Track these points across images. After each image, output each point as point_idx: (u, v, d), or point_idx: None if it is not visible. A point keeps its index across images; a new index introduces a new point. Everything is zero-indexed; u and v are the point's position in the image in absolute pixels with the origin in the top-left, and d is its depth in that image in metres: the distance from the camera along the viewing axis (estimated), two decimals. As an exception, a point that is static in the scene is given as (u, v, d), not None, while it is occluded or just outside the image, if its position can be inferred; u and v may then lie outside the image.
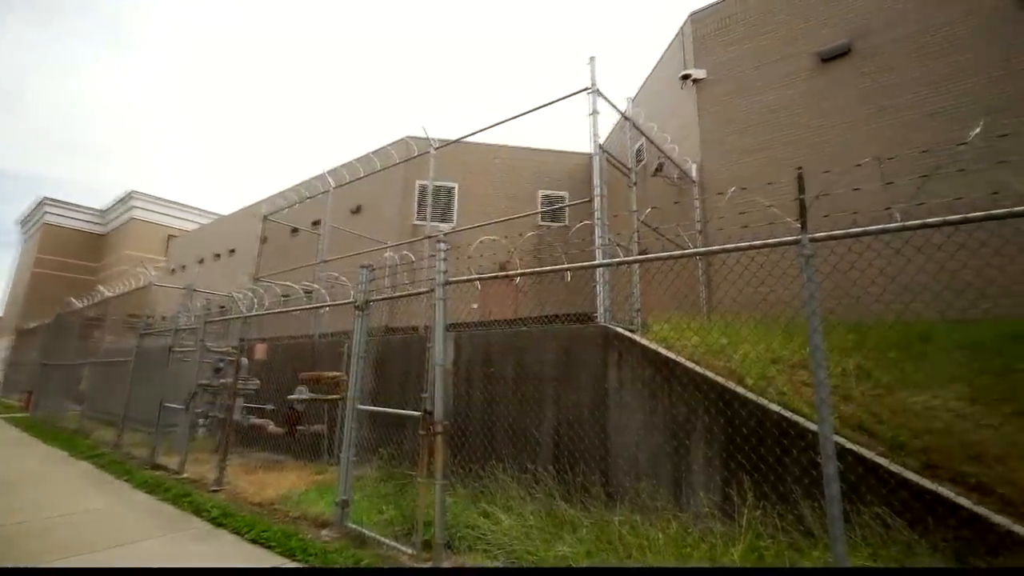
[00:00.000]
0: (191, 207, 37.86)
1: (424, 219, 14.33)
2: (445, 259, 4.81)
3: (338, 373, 6.96)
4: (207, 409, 8.09)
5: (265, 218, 13.15)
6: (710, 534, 3.63)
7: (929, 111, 7.73)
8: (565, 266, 4.78)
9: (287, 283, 9.40)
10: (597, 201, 6.38)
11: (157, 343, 9.05)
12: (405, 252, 7.72)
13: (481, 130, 8.75)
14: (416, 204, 14.84)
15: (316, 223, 15.58)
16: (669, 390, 4.48)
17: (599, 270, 5.67)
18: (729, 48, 10.17)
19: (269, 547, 4.19)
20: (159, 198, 36.59)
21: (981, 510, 3.10)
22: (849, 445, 3.58)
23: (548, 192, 14.89)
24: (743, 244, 3.51)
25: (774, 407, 3.93)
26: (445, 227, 14.03)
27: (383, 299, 6.55)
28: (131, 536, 4.47)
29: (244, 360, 7.53)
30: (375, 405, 5.55)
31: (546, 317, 6.44)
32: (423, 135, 9.95)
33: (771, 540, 3.42)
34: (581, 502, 4.35)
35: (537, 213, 12.96)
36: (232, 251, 22.89)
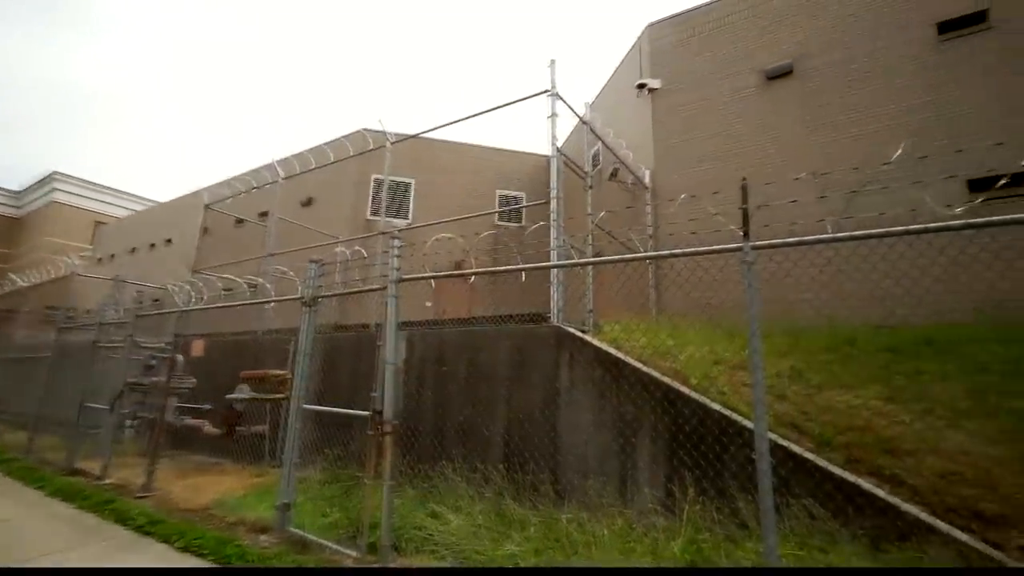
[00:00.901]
0: (123, 192, 35.18)
1: (378, 214, 14.01)
2: (399, 256, 4.72)
3: (283, 371, 6.68)
4: (135, 409, 7.54)
5: (207, 207, 12.43)
6: (653, 529, 3.76)
7: (860, 132, 8.34)
8: (520, 266, 4.80)
9: (229, 276, 8.92)
10: (554, 203, 6.46)
11: (80, 338, 8.35)
12: (357, 248, 7.51)
13: (440, 126, 8.66)
14: (371, 199, 14.48)
15: (263, 214, 14.89)
16: (618, 390, 4.59)
17: (554, 271, 5.74)
18: (683, 60, 10.56)
19: (201, 555, 3.96)
20: (86, 181, 33.77)
21: (894, 500, 3.38)
22: (782, 442, 3.80)
23: (506, 192, 14.93)
24: (690, 250, 3.65)
25: (715, 406, 4.11)
26: (400, 223, 13.77)
27: (333, 295, 6.34)
28: (44, 548, 4.10)
29: (179, 357, 7.08)
30: (322, 404, 5.37)
31: (500, 317, 6.45)
32: (379, 128, 9.73)
33: (709, 533, 3.58)
34: (530, 500, 4.39)
35: (494, 212, 12.97)
36: (169, 241, 21.51)
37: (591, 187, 7.48)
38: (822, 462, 3.66)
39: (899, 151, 3.95)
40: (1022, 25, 7.55)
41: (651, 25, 11.35)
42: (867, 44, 8.65)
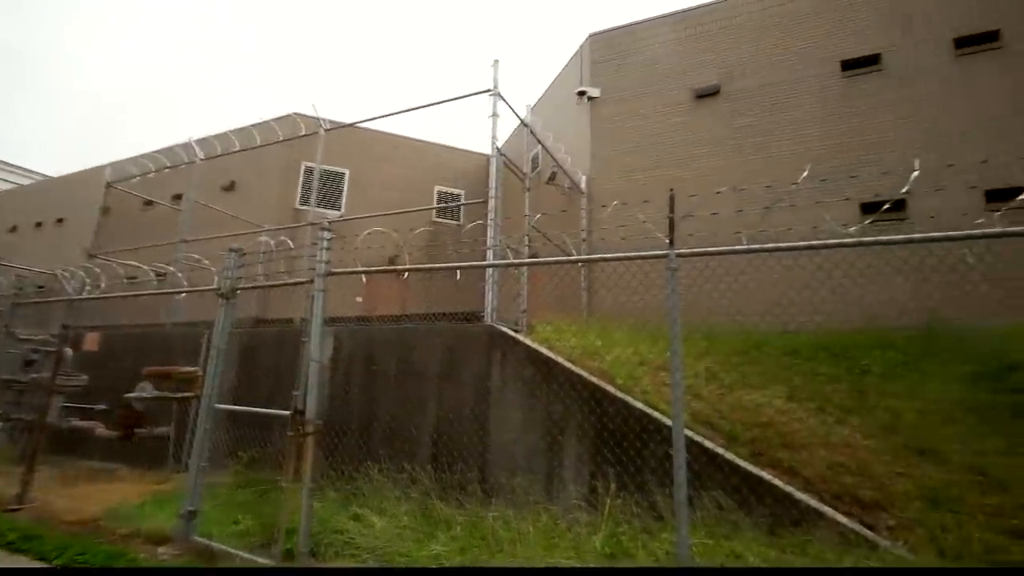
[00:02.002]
0: (7, 164, 30.89)
1: (308, 204, 13.33)
2: (328, 248, 4.52)
3: (193, 368, 6.17)
4: (9, 410, 6.64)
5: (109, 185, 11.22)
6: (577, 524, 3.87)
7: (775, 153, 9.09)
8: (456, 264, 4.77)
9: (134, 263, 8.10)
10: (492, 202, 6.47)
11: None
12: (283, 238, 7.10)
13: (378, 117, 8.40)
14: (300, 187, 13.74)
15: (177, 197, 13.67)
16: (548, 389, 4.68)
17: (489, 270, 5.75)
18: (622, 72, 10.97)
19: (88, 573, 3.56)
20: (-44, 147, 29.23)
21: (789, 489, 3.71)
22: (696, 438, 4.05)
23: (444, 188, 14.75)
24: (620, 255, 3.81)
25: (638, 405, 4.31)
26: (332, 215, 13.19)
27: (254, 287, 5.95)
28: None
29: (68, 352, 6.33)
30: (238, 404, 5.03)
31: (434, 315, 6.36)
32: (313, 114, 9.26)
33: (628, 526, 3.74)
34: (458, 500, 4.36)
35: (432, 209, 12.78)
36: (60, 220, 19.16)
37: (529, 189, 7.58)
38: (731, 456, 3.95)
39: (804, 173, 4.36)
40: (909, 70, 8.58)
41: (593, 35, 11.69)
42: (782, 74, 9.45)
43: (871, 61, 8.91)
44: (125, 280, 6.90)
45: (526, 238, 6.77)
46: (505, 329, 5.21)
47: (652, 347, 5.58)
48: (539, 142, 8.79)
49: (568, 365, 4.71)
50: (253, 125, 11.56)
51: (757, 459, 4.07)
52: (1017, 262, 5.82)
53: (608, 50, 11.30)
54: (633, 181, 9.85)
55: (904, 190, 3.99)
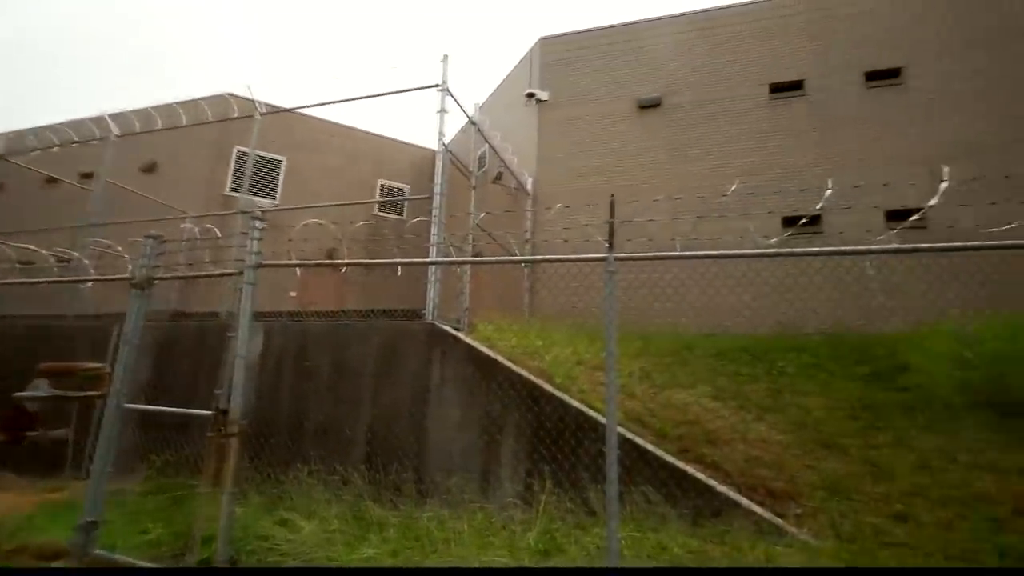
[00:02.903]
0: None
1: (240, 191, 12.55)
2: (260, 239, 4.28)
3: (99, 365, 5.61)
4: None
5: (1, 158, 9.98)
6: (511, 522, 3.90)
7: (709, 166, 9.63)
8: (397, 260, 4.66)
9: (30, 247, 7.25)
10: (437, 199, 6.38)
11: None
12: (210, 226, 6.63)
13: (321, 104, 8.06)
14: (231, 173, 12.91)
15: (87, 176, 12.41)
16: (487, 388, 4.69)
17: (431, 268, 5.67)
18: (570, 77, 11.19)
19: (-39, 593, 3.15)
20: None
21: (711, 482, 3.95)
22: (628, 435, 4.21)
23: (388, 182, 14.39)
24: (561, 257, 3.88)
25: (574, 403, 4.42)
26: (266, 203, 12.49)
27: (174, 278, 5.53)
28: None
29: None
30: (152, 403, 4.64)
31: (372, 311, 6.19)
32: (248, 96, 8.73)
33: (561, 522, 3.83)
34: (392, 501, 4.28)
35: (374, 202, 12.42)
36: (-59, 195, 16.81)
37: (475, 187, 7.55)
38: (660, 452, 4.14)
39: (733, 186, 4.65)
40: (827, 98, 9.38)
41: (543, 39, 11.84)
42: (717, 92, 10.04)
43: (796, 87, 9.65)
44: (18, 265, 6.16)
45: (470, 236, 6.74)
46: (446, 327, 5.16)
47: (590, 347, 5.74)
48: (486, 141, 8.79)
49: (508, 364, 4.75)
50: (179, 103, 10.71)
51: (684, 455, 4.30)
52: (908, 276, 6.53)
53: (558, 55, 11.49)
54: (577, 185, 10.08)
55: (818, 207, 4.36)
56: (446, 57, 7.05)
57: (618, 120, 10.61)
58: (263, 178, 13.05)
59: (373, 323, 5.57)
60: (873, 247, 3.38)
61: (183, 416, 3.99)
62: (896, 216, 7.60)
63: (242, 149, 12.78)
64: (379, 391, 5.11)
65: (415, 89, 7.33)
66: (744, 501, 3.86)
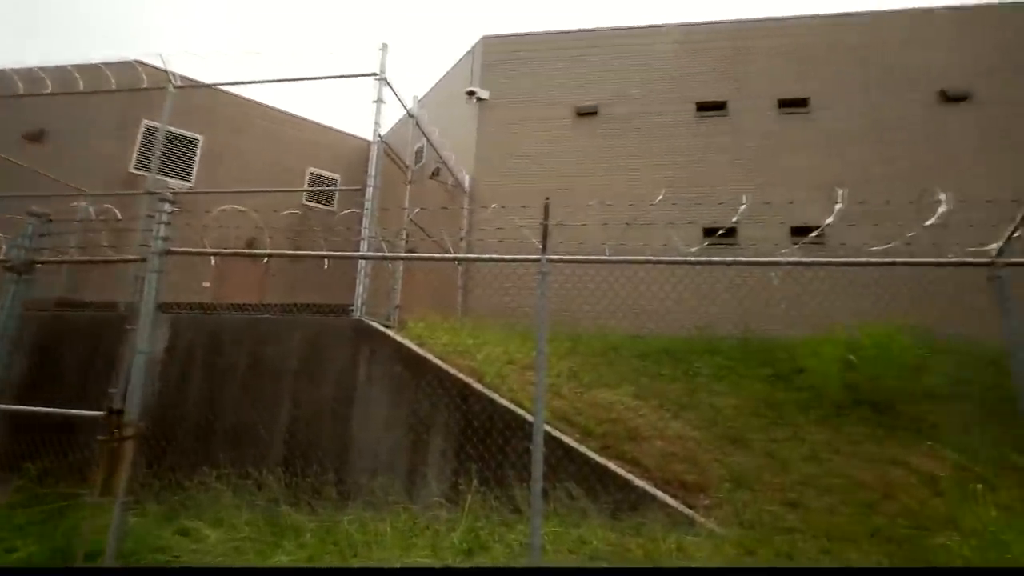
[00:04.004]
0: None
1: (148, 169, 11.42)
2: (168, 223, 3.93)
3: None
4: None
5: None
6: (436, 522, 3.86)
7: (638, 176, 10.09)
8: (325, 253, 4.46)
9: None
10: (370, 191, 6.18)
11: None
12: (109, 206, 5.96)
13: (246, 82, 7.52)
14: (138, 148, 11.71)
15: (-47, 140, 10.73)
16: (416, 386, 4.61)
17: (361, 262, 5.48)
18: (511, 79, 11.27)
19: None
20: None
21: (630, 477, 4.14)
22: (555, 433, 4.32)
23: (319, 171, 13.71)
24: (495, 256, 3.90)
25: (503, 402, 4.46)
26: (178, 185, 11.45)
27: (63, 262, 4.93)
28: None
29: None
30: (29, 403, 4.11)
31: (296, 305, 5.87)
32: (161, 65, 7.96)
33: (487, 520, 3.84)
34: (310, 505, 4.08)
35: (302, 191, 11.80)
36: None
37: (412, 182, 7.40)
38: (584, 449, 4.27)
39: (660, 196, 4.92)
40: (745, 119, 10.16)
41: (486, 38, 11.83)
42: (649, 106, 10.55)
43: (719, 107, 10.36)
44: None
45: (404, 232, 6.59)
46: (375, 324, 5.01)
47: (521, 347, 5.81)
48: (424, 136, 8.64)
49: (438, 362, 4.69)
50: (76, 66, 9.56)
51: (606, 451, 4.47)
52: (808, 286, 7.23)
53: (500, 55, 11.54)
54: (514, 185, 10.17)
55: (734, 220, 4.71)
56: (385, 46, 6.85)
57: (556, 125, 10.84)
58: (176, 157, 11.95)
59: (296, 318, 5.28)
60: (779, 259, 3.71)
61: (66, 418, 3.56)
62: (800, 232, 8.39)
63: (152, 124, 11.63)
64: (301, 390, 4.86)
65: (351, 76, 7.05)
66: (660, 494, 4.08)
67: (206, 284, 8.47)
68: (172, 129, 10.98)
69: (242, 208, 6.13)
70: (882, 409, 5.50)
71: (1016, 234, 3.14)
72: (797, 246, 4.12)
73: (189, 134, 12.06)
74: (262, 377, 4.93)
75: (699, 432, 5.03)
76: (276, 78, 7.57)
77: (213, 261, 4.45)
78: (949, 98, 9.62)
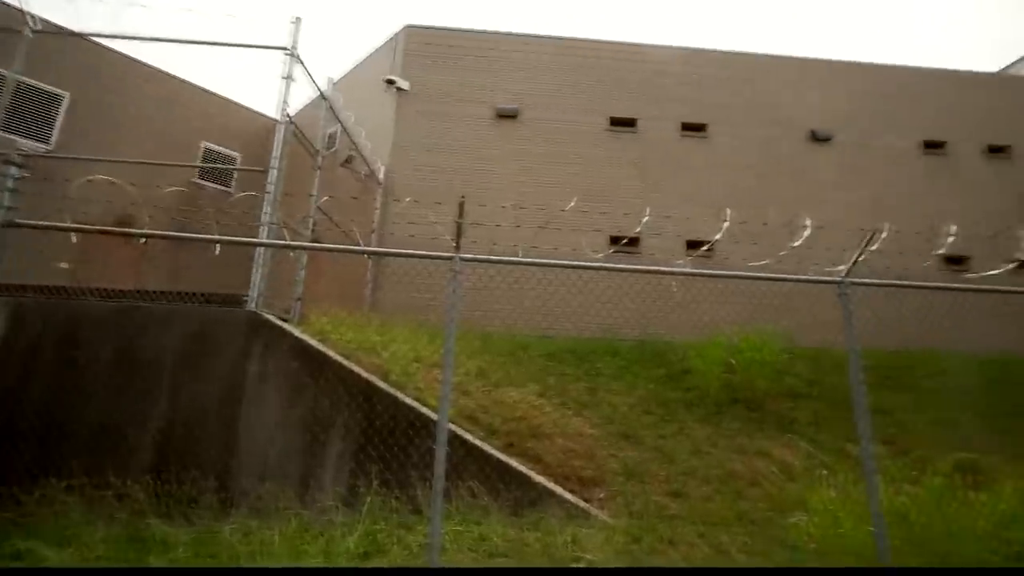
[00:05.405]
0: None
1: (-7, 126, 9.60)
2: (15, 189, 3.35)
3: None
4: None
5: None
6: (331, 527, 3.68)
7: (552, 180, 10.40)
8: (217, 237, 4.08)
9: None
10: (274, 173, 5.73)
11: None
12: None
13: (126, 37, 6.61)
14: (-20, 100, 9.80)
15: None
16: (315, 384, 4.36)
17: (259, 249, 5.07)
18: (434, 72, 11.07)
19: None
20: None
21: (530, 473, 4.25)
22: (459, 431, 4.31)
23: (214, 147, 12.44)
24: (408, 251, 3.81)
25: (408, 400, 4.36)
26: (33, 147, 9.76)
27: None
28: None
29: None
30: None
31: (179, 294, 5.28)
32: (16, 3, 6.75)
33: (385, 523, 3.73)
34: (184, 516, 3.68)
35: (194, 167, 10.64)
36: None
37: (321, 167, 6.98)
38: (487, 447, 4.32)
39: (572, 203, 5.12)
40: (651, 138, 10.91)
41: (410, 27, 11.51)
42: (566, 115, 10.94)
43: (630, 123, 11.02)
44: None
45: (311, 220, 6.20)
46: (271, 317, 4.65)
47: (430, 345, 5.73)
48: (338, 120, 8.20)
49: (339, 359, 4.48)
50: None
51: (510, 449, 4.55)
52: (698, 295, 7.95)
53: (423, 46, 11.29)
54: (430, 180, 10.01)
55: (637, 230, 5.05)
56: (298, 19, 6.40)
57: (476, 124, 10.85)
58: (31, 115, 10.18)
59: (178, 308, 4.75)
60: (675, 269, 4.03)
61: None
62: (694, 245, 9.19)
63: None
64: (180, 388, 4.37)
65: (258, 47, 6.50)
66: (558, 490, 4.24)
67: (64, 265, 7.28)
68: (26, 80, 9.34)
69: (115, 180, 5.38)
70: (753, 407, 6.19)
71: (861, 258, 3.69)
72: (690, 258, 4.49)
73: (51, 89, 10.34)
74: (132, 373, 4.36)
75: (597, 429, 5.30)
76: (167, 37, 6.75)
77: (75, 238, 3.85)
78: (817, 138, 11.10)
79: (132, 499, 3.71)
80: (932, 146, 11.34)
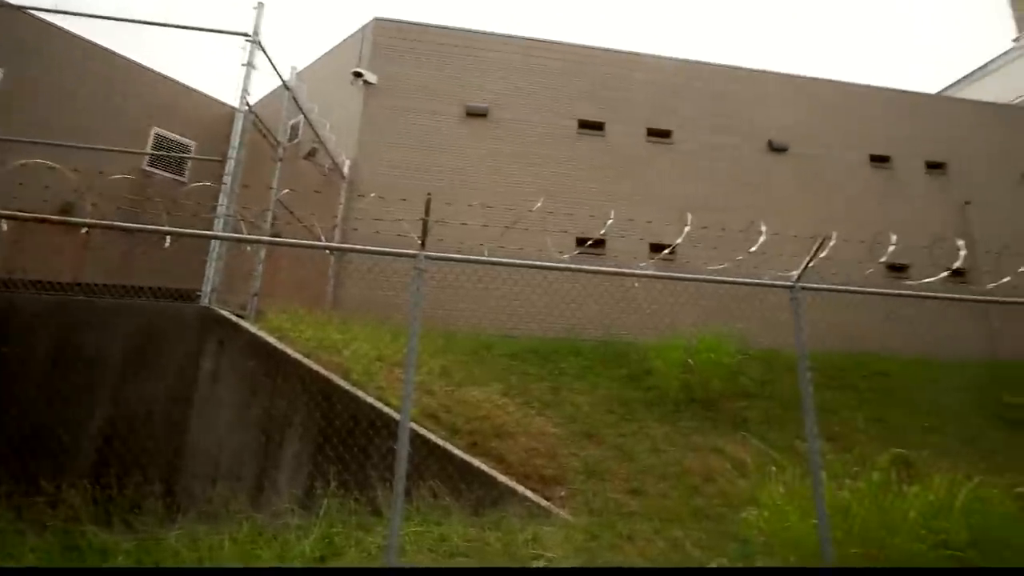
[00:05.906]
0: None
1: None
2: (-63, 172, 3.08)
3: None
4: None
5: None
6: (286, 530, 3.57)
7: (520, 180, 10.43)
8: (167, 228, 3.88)
9: None
10: (231, 164, 5.51)
11: None
12: None
13: (67, 12, 6.20)
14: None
15: None
16: (272, 383, 4.22)
17: (214, 242, 4.86)
18: (402, 67, 10.89)
19: None
20: None
21: (493, 473, 4.25)
22: (421, 431, 4.26)
23: (167, 134, 11.83)
24: (371, 248, 3.73)
25: (369, 400, 4.28)
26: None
27: None
28: None
29: None
30: None
31: (125, 287, 5.01)
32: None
33: (343, 525, 3.65)
34: (125, 522, 3.49)
35: (144, 153, 10.10)
36: None
37: (282, 159, 6.75)
38: (449, 447, 4.29)
39: (538, 204, 5.15)
40: (619, 142, 11.09)
41: (378, 20, 11.29)
42: (535, 116, 10.99)
43: (599, 127, 11.17)
44: None
45: (269, 213, 6.00)
46: (226, 313, 4.47)
47: (392, 343, 5.64)
48: (302, 111, 7.95)
49: (298, 357, 4.35)
50: None
51: (473, 448, 4.54)
52: (659, 297, 8.15)
53: (392, 40, 11.09)
54: (396, 176, 9.85)
55: (602, 232, 5.12)
56: (261, 5, 6.17)
57: (445, 121, 10.75)
58: (-41, 91, 9.41)
59: (123, 302, 4.49)
60: (637, 271, 4.11)
61: None
62: (656, 248, 9.41)
63: (-76, 43, 9.02)
64: (124, 387, 4.14)
65: (217, 31, 6.24)
66: (520, 488, 4.25)
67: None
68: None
69: (54, 165, 5.04)
70: (709, 406, 6.40)
71: (811, 264, 3.87)
72: (653, 260, 4.59)
73: (-18, 64, 9.59)
74: (71, 371, 4.10)
75: (560, 428, 5.36)
76: (116, 16, 6.37)
77: (5, 226, 3.58)
78: (774, 148, 11.57)
79: (67, 505, 3.49)
80: (878, 160, 12.01)
